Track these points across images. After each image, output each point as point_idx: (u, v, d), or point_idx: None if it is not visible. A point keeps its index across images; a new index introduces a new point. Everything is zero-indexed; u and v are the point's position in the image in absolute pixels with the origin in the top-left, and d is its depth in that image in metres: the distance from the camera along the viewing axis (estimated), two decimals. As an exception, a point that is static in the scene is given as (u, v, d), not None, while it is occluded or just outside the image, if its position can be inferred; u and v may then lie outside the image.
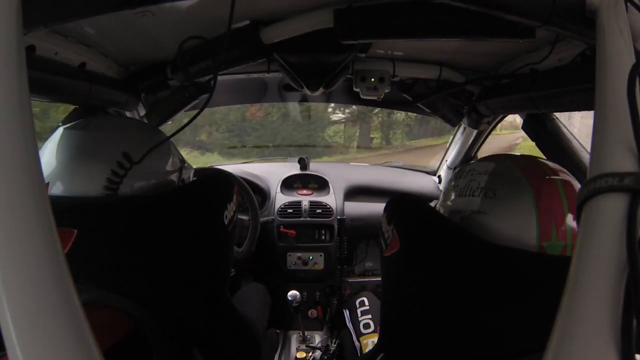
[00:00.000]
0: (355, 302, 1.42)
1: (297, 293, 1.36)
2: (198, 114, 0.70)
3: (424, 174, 1.94)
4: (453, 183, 0.66)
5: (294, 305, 1.34)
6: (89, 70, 0.83)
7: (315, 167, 1.82)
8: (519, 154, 0.66)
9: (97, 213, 0.58)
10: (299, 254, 1.58)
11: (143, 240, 0.57)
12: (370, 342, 1.20)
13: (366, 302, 1.39)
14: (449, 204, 0.65)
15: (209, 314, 0.63)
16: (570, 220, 0.53)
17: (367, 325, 1.28)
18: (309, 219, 1.60)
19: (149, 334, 0.51)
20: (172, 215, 0.61)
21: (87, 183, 0.61)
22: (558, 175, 0.57)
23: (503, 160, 0.62)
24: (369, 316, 1.31)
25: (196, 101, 1.17)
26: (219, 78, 1.07)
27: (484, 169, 0.61)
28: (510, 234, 0.54)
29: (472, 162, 0.68)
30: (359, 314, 1.34)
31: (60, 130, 0.66)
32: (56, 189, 0.60)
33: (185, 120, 0.71)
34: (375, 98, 1.15)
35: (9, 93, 0.31)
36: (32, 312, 0.26)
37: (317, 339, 1.47)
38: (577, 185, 0.57)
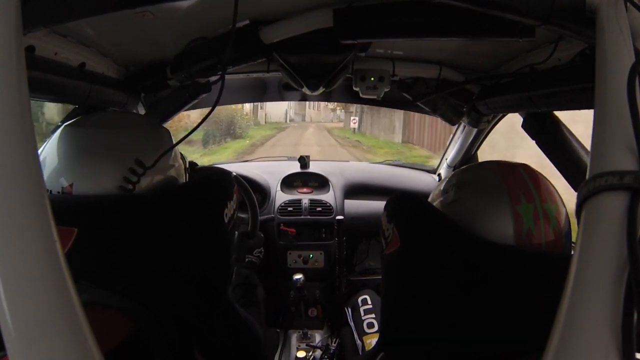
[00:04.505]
0: (357, 300, 1.41)
1: (302, 275, 1.40)
2: (209, 113, 0.69)
3: (423, 172, 1.94)
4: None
5: (297, 286, 1.38)
6: (89, 71, 0.83)
7: (316, 166, 1.82)
8: None
9: (97, 212, 0.58)
10: (299, 252, 1.58)
11: (144, 240, 0.57)
12: (373, 341, 1.19)
13: (369, 301, 1.38)
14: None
15: (210, 314, 0.62)
16: (533, 189, 0.57)
17: (370, 325, 1.27)
18: (309, 217, 1.60)
19: (151, 335, 0.51)
20: (172, 214, 0.61)
21: (102, 181, 0.60)
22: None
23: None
24: (373, 315, 1.31)
25: (196, 101, 1.17)
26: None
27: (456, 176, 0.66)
28: (484, 208, 0.57)
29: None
30: (362, 313, 1.34)
31: (64, 128, 0.65)
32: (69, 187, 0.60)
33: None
34: (374, 97, 1.15)
35: (8, 93, 0.31)
36: (32, 312, 0.26)
37: (317, 337, 1.47)
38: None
